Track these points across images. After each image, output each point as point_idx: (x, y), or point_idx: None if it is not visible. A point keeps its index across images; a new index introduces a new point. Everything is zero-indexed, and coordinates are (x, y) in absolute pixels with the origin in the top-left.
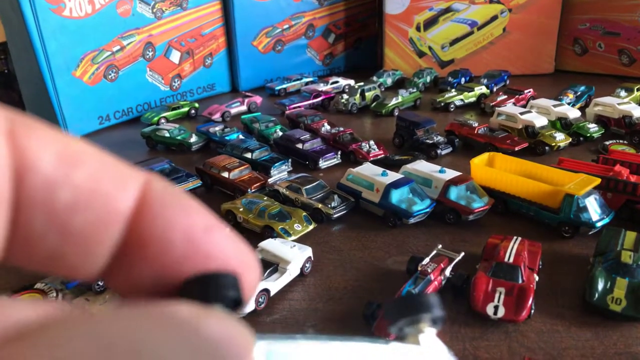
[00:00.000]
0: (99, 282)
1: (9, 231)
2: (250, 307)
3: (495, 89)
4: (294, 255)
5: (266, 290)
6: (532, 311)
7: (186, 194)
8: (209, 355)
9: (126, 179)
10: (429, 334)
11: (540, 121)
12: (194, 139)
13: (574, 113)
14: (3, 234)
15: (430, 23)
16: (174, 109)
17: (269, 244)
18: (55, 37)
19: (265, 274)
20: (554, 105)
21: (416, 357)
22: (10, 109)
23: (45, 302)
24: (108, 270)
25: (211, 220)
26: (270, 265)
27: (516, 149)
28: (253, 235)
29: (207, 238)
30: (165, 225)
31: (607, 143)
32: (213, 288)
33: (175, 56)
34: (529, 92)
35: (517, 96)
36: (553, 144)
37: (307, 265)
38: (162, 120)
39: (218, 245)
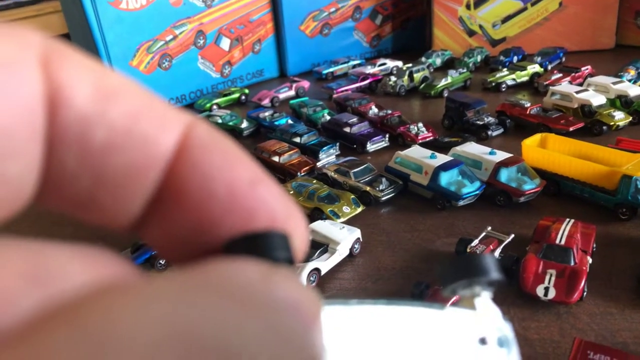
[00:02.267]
0: (161, 261)
1: (43, 169)
2: None
3: (549, 67)
4: (343, 236)
5: (317, 270)
6: (585, 293)
7: (232, 143)
8: (284, 325)
9: (168, 120)
10: (484, 298)
11: (597, 100)
12: (245, 124)
13: (634, 90)
14: (37, 172)
15: (480, 1)
16: (225, 95)
17: (318, 225)
18: (112, 29)
19: (316, 254)
20: (614, 83)
21: (471, 321)
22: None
23: (111, 261)
24: (142, 221)
25: (258, 173)
26: (321, 246)
27: (571, 129)
28: None
29: (253, 192)
30: (206, 175)
31: None
32: (262, 248)
33: (225, 43)
34: (587, 69)
35: (573, 74)
36: (611, 124)
37: (356, 246)
38: (214, 107)
39: (264, 200)
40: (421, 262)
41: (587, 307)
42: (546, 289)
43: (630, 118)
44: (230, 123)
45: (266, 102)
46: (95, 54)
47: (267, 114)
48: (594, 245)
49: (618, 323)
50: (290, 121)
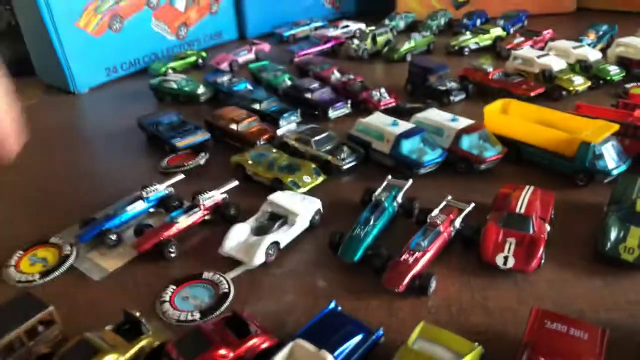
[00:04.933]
0: (112, 237)
1: None
2: (260, 259)
3: (512, 31)
4: (304, 207)
5: (276, 243)
6: (543, 261)
7: None
8: None
9: None
10: None
11: (558, 64)
12: (201, 89)
13: (594, 55)
14: None
15: None
16: (181, 58)
17: (278, 197)
18: None
19: (275, 227)
20: (574, 47)
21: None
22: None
23: None
24: None
25: None
26: (280, 218)
27: (532, 94)
28: (262, 188)
29: None
30: None
31: (627, 86)
32: None
33: (180, 3)
34: (548, 33)
35: (534, 38)
36: (571, 89)
37: (317, 217)
38: (170, 71)
39: None
40: (385, 231)
41: (544, 274)
42: (505, 258)
43: (590, 83)
44: (186, 88)
45: (224, 66)
46: (37, 14)
47: (225, 78)
48: (553, 213)
49: (575, 290)
50: (249, 86)
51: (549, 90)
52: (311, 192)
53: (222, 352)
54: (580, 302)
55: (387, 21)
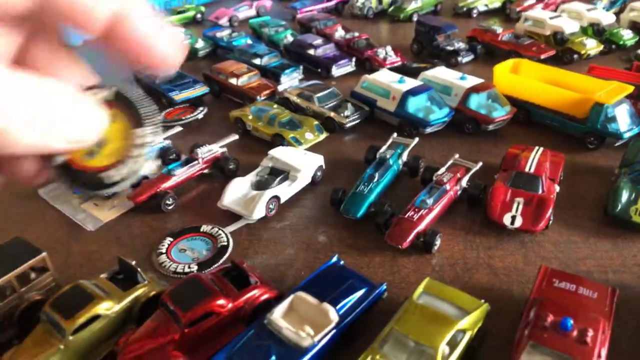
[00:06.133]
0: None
1: None
2: (260, 213)
3: None
4: (305, 163)
5: (276, 197)
6: (551, 222)
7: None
8: None
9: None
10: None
11: (570, 27)
12: (200, 44)
13: (607, 18)
14: None
15: None
16: (179, 12)
17: (279, 152)
18: None
19: (276, 182)
20: (587, 10)
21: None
22: None
23: None
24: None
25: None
26: (281, 173)
27: (542, 56)
28: (263, 143)
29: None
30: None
31: None
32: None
33: None
34: None
35: (546, 1)
36: (582, 52)
37: (319, 174)
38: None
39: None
40: (387, 191)
41: (551, 235)
42: (513, 218)
43: (602, 47)
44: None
45: (224, 21)
46: None
47: (224, 33)
48: (562, 174)
49: (582, 251)
50: (249, 41)
51: (559, 53)
52: (313, 149)
53: (221, 302)
54: (588, 264)
55: None
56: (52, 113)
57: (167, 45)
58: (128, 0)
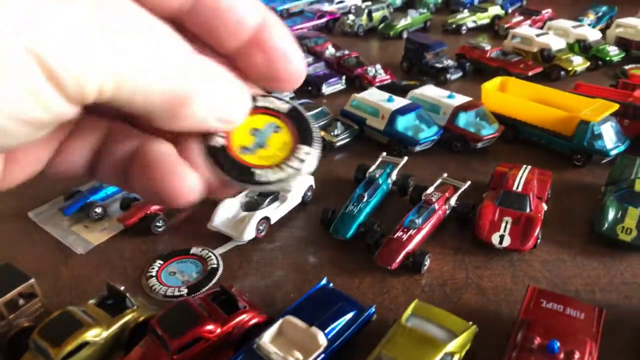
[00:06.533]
0: (97, 210)
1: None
2: (250, 234)
3: (510, 10)
4: (295, 183)
5: (266, 218)
6: (539, 241)
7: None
8: None
9: (255, 9)
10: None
11: (557, 44)
12: None
13: (593, 35)
14: None
15: None
16: None
17: None
18: None
19: (266, 202)
20: (573, 27)
21: None
22: None
23: None
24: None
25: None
26: (271, 193)
27: (530, 73)
28: None
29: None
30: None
31: (627, 67)
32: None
33: None
34: (547, 12)
35: (533, 17)
36: (569, 69)
37: (309, 194)
38: None
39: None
40: (376, 210)
41: (539, 254)
42: (501, 237)
43: (588, 63)
44: None
45: None
46: None
47: None
48: (549, 192)
49: (570, 270)
50: None
51: (547, 69)
52: None
53: (210, 327)
54: (576, 282)
55: None
56: (219, 92)
57: (300, 60)
58: (268, 12)
